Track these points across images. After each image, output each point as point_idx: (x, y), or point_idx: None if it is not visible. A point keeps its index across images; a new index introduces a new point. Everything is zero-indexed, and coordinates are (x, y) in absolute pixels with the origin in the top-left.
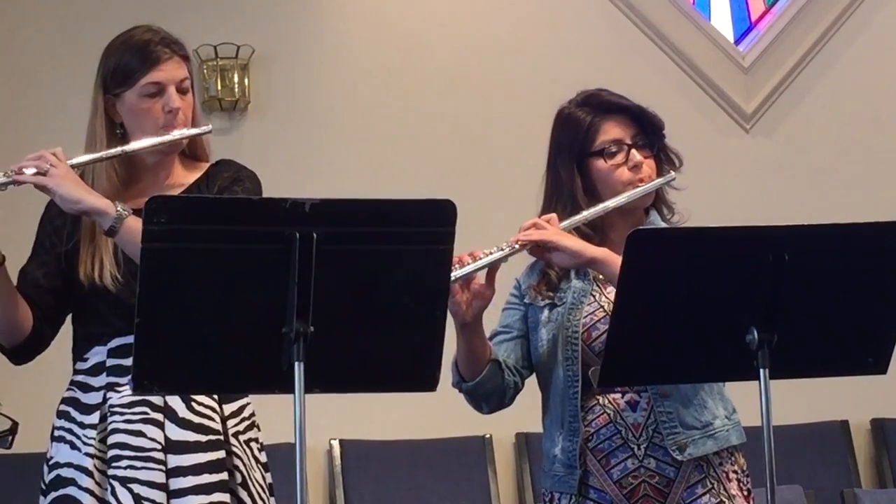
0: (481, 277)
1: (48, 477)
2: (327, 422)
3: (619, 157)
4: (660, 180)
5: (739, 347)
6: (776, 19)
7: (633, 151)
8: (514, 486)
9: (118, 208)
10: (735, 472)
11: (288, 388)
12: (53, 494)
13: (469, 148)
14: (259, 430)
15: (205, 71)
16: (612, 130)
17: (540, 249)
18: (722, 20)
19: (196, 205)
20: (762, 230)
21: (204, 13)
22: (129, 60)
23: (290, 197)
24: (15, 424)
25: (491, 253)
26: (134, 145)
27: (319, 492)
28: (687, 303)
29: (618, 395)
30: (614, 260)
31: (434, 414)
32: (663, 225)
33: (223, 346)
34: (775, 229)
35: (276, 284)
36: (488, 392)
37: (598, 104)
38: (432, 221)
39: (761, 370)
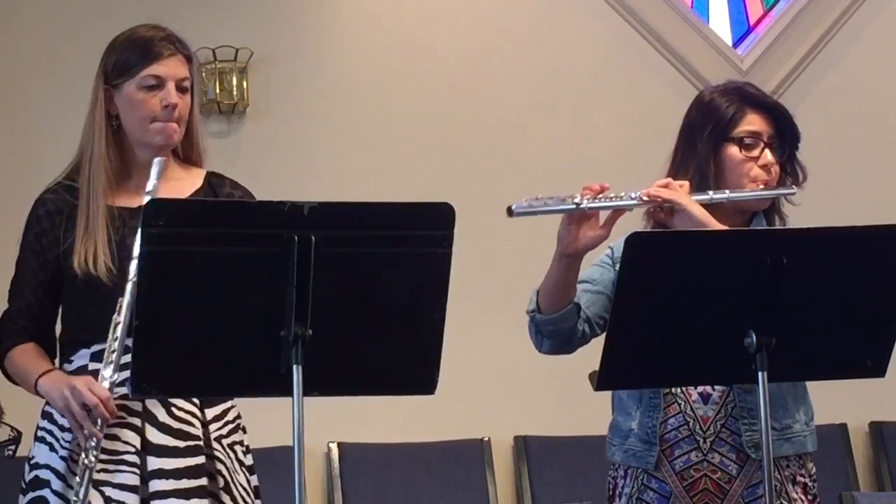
0: (601, 217)
1: (28, 476)
2: (326, 425)
3: (755, 151)
4: (782, 190)
5: (738, 350)
6: (774, 22)
7: (767, 151)
8: (513, 489)
9: None
10: (802, 475)
11: (286, 391)
12: (31, 495)
13: (467, 151)
14: (245, 432)
15: (203, 74)
16: (754, 122)
17: (662, 212)
18: (720, 23)
19: (195, 208)
20: (760, 233)
21: (202, 16)
22: (131, 53)
23: (288, 200)
24: (18, 434)
25: (621, 197)
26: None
27: (318, 495)
28: (685, 306)
29: (691, 387)
30: None
31: (432, 417)
32: None
33: (221, 350)
34: (773, 232)
35: (274, 287)
36: (557, 331)
37: (746, 96)
38: (431, 225)
39: (759, 373)
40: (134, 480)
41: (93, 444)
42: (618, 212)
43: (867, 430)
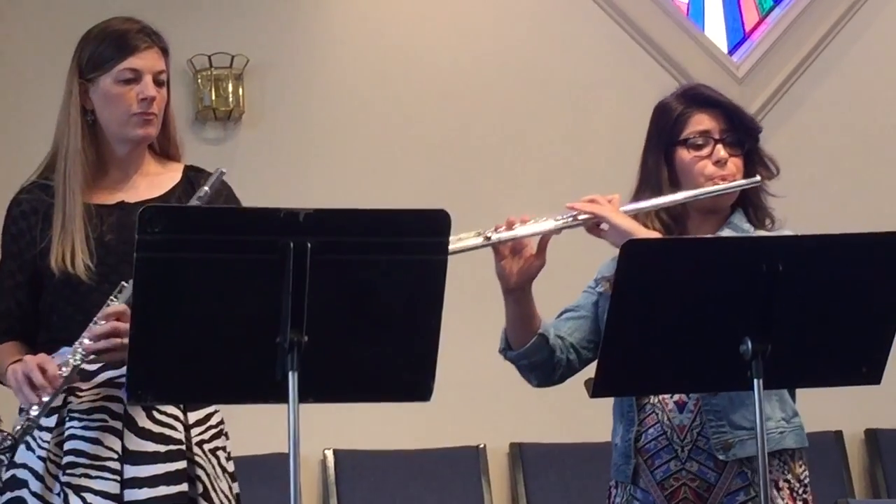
0: (533, 247)
1: (5, 476)
2: (321, 431)
3: (704, 150)
4: (735, 183)
5: (733, 357)
6: (770, 29)
7: (719, 147)
8: (509, 496)
9: None
10: (787, 480)
11: (282, 398)
12: (9, 495)
13: (462, 158)
14: (227, 438)
15: (199, 81)
16: (701, 122)
17: (596, 228)
18: (716, 30)
19: (191, 215)
20: (756, 240)
21: (198, 23)
22: (107, 46)
23: (284, 207)
24: (15, 441)
25: (542, 223)
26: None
27: (313, 502)
28: (681, 313)
29: (667, 396)
30: None
31: (428, 424)
32: (747, 227)
33: (217, 356)
34: (769, 240)
35: (270, 294)
36: (533, 364)
37: (694, 96)
38: (426, 231)
39: (755, 380)
40: (115, 488)
41: (34, 412)
42: (547, 237)
43: (863, 437)
